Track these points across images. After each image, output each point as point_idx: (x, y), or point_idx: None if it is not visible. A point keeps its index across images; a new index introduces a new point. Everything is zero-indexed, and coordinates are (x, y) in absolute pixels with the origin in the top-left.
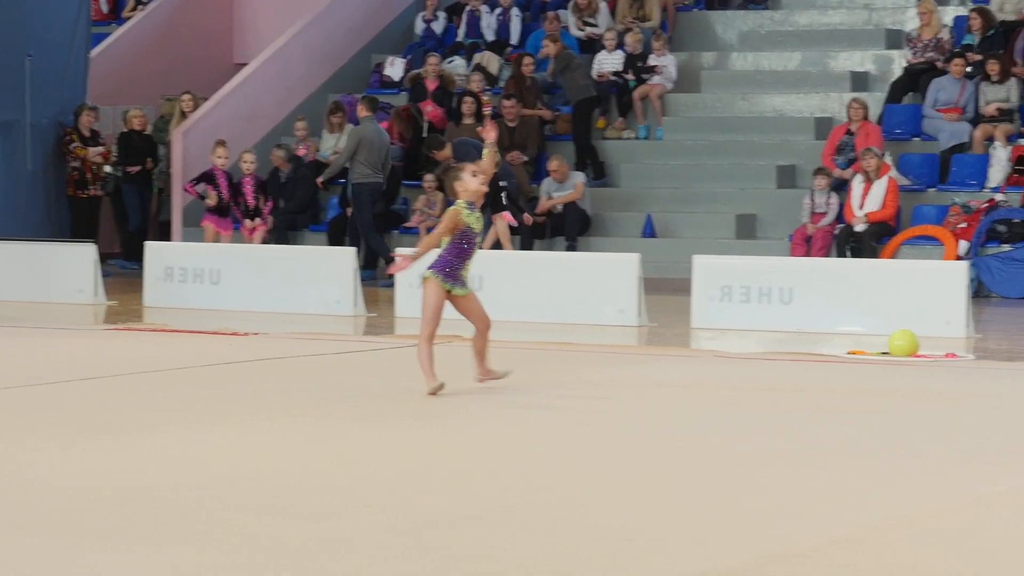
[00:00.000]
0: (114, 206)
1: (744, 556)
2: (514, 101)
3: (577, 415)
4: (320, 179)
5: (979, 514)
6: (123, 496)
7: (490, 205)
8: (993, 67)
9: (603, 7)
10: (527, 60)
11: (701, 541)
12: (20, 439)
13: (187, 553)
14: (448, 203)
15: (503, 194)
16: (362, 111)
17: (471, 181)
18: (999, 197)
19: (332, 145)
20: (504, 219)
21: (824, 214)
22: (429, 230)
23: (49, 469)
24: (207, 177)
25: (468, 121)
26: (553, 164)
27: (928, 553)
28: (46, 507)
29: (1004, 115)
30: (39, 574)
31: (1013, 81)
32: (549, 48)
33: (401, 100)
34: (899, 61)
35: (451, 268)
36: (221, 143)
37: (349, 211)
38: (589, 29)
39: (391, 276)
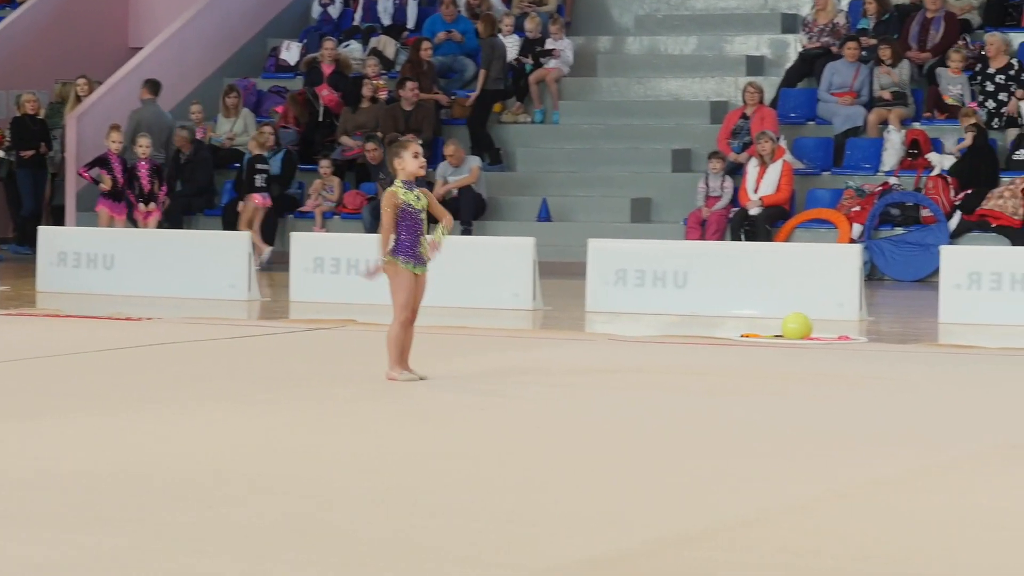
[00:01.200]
0: (7, 190)
1: (641, 538)
2: (415, 84)
3: (473, 400)
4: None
5: (875, 495)
6: (29, 483)
7: (245, 185)
8: (885, 51)
9: None
10: (425, 44)
11: (601, 523)
12: None
13: (92, 539)
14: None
15: (260, 176)
16: (144, 94)
17: (411, 162)
18: (893, 181)
19: (227, 129)
20: (254, 200)
21: (719, 198)
22: (325, 215)
23: None
24: (101, 161)
25: (365, 105)
26: (449, 149)
27: (826, 535)
28: None
29: (898, 99)
30: None
31: (906, 64)
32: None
33: (297, 84)
34: (794, 45)
35: (409, 247)
36: (115, 127)
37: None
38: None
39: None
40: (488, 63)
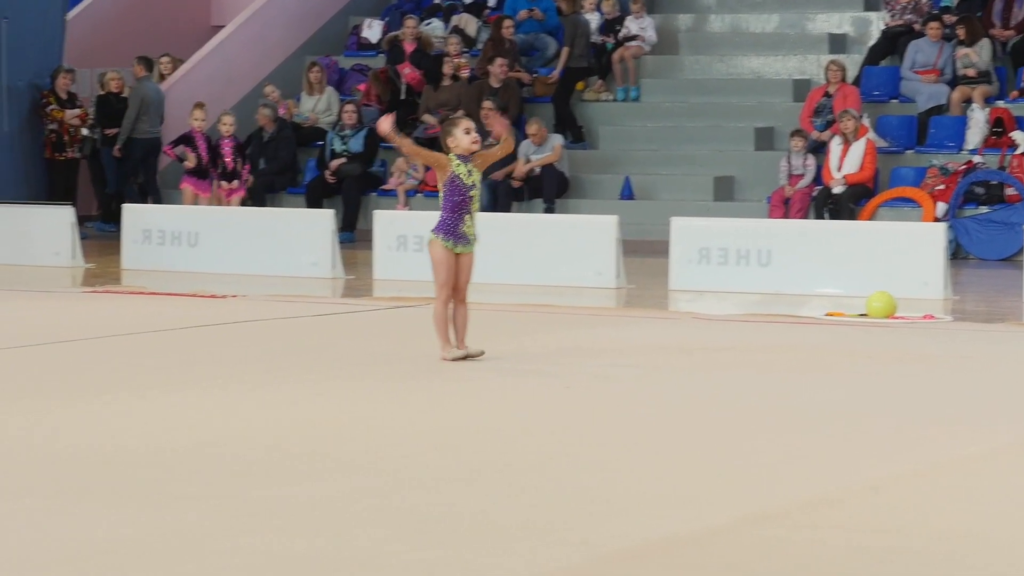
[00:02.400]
0: (92, 168)
1: (725, 517)
2: (503, 60)
3: (558, 378)
4: (117, 146)
5: (957, 474)
6: (110, 459)
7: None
8: (961, 30)
9: None
10: (507, 22)
11: (683, 502)
12: (2, 402)
13: (172, 515)
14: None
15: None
16: (140, 71)
17: (463, 138)
18: (977, 159)
19: (311, 107)
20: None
21: (802, 176)
22: (408, 192)
23: (33, 432)
24: (185, 139)
25: (447, 83)
26: (532, 127)
27: (907, 513)
28: (32, 470)
29: (982, 77)
30: (25, 535)
31: (987, 42)
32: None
33: (379, 62)
34: (877, 23)
35: (451, 226)
36: (199, 105)
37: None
38: None
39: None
40: (571, 40)
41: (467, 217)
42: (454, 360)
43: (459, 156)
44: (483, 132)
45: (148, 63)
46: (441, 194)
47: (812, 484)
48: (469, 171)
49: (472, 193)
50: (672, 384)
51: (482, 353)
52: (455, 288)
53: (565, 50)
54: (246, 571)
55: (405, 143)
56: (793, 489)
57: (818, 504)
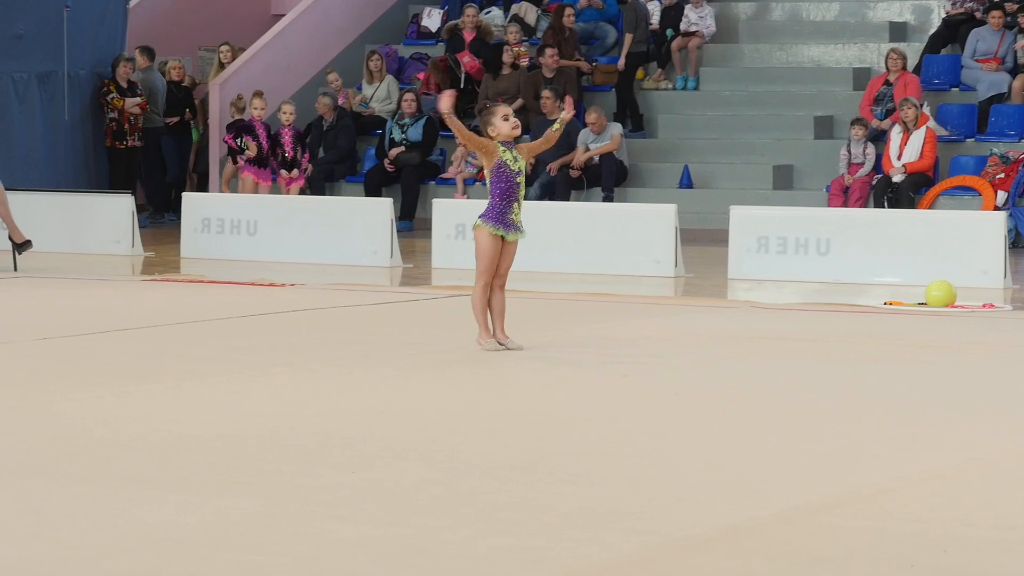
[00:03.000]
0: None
1: (782, 505)
2: (554, 50)
3: (615, 366)
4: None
5: (1016, 465)
6: (165, 446)
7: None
8: (1023, 17)
9: None
10: (568, 11)
11: (738, 491)
12: (63, 389)
13: (230, 503)
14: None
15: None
16: (143, 62)
17: (502, 125)
18: None
19: (370, 95)
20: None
21: (861, 165)
22: (467, 181)
23: (92, 419)
24: (246, 128)
25: (505, 72)
26: (591, 116)
27: (964, 504)
28: (88, 456)
29: None
30: (85, 522)
31: None
32: None
33: (438, 51)
34: (938, 11)
35: (500, 213)
36: (258, 94)
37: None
38: None
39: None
40: (633, 27)
41: (515, 204)
42: (489, 351)
43: (503, 143)
44: (542, 122)
45: (151, 53)
46: (489, 181)
47: (871, 473)
48: (515, 157)
49: (519, 180)
50: (730, 373)
51: (521, 348)
52: (496, 275)
53: (628, 36)
54: (308, 559)
55: (457, 124)
56: (853, 478)
57: (878, 493)
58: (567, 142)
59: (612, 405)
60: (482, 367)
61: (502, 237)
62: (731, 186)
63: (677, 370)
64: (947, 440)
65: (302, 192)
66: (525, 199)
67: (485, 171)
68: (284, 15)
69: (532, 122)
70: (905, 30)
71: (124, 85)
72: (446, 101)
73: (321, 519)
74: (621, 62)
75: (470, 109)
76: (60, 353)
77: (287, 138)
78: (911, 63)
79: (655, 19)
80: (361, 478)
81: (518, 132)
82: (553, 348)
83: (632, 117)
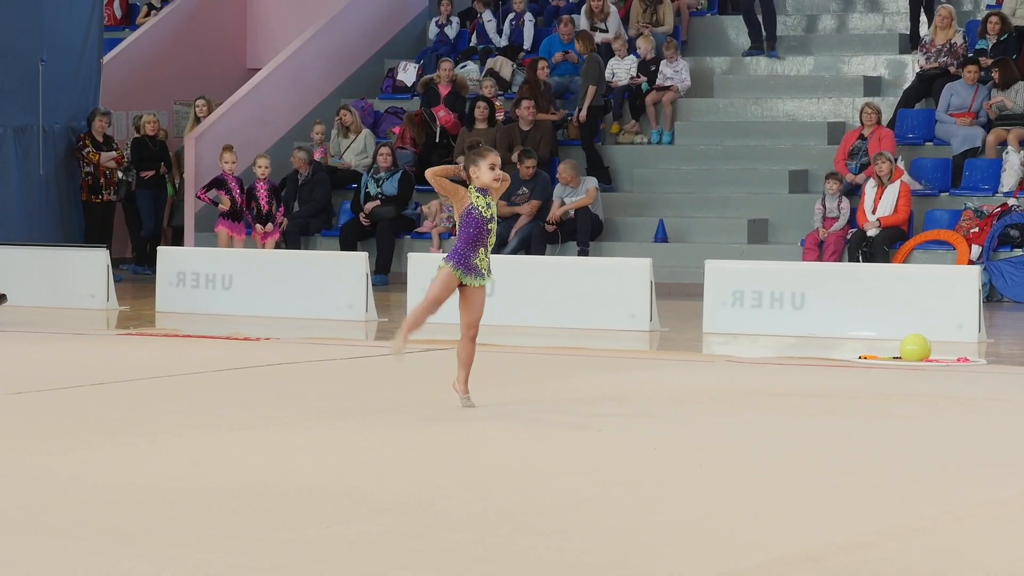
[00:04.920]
0: (127, 211)
1: (758, 559)
2: (530, 103)
3: (590, 420)
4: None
5: (993, 518)
6: (142, 500)
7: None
8: (996, 73)
9: (614, 12)
10: (541, 64)
11: (715, 544)
12: (37, 443)
13: (207, 557)
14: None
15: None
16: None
17: (486, 173)
18: (1012, 202)
19: (345, 148)
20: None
21: (836, 219)
22: (442, 235)
23: (67, 473)
24: (218, 182)
25: (480, 126)
26: (561, 169)
27: (942, 557)
28: (65, 510)
29: (1016, 119)
30: None
31: (1021, 85)
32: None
33: (414, 105)
34: (912, 66)
35: (464, 257)
36: (228, 148)
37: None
38: (600, 35)
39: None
40: (596, 79)
41: (481, 250)
42: (396, 354)
43: (479, 189)
44: (515, 177)
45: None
46: (458, 224)
47: (848, 527)
48: (488, 203)
49: (491, 226)
50: (706, 427)
51: (472, 407)
52: (466, 323)
53: (591, 89)
54: None
55: (434, 169)
56: (830, 531)
57: (854, 547)
58: (544, 195)
59: (589, 459)
60: (458, 422)
61: (460, 280)
62: (706, 240)
63: (653, 424)
64: (923, 494)
65: (277, 246)
66: (502, 253)
67: (455, 214)
68: (259, 69)
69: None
70: (879, 84)
71: (99, 139)
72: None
73: (296, 571)
74: (583, 115)
75: (445, 163)
76: (35, 407)
77: (262, 192)
78: (885, 117)
79: (632, 71)
80: (337, 532)
81: (498, 187)
82: (529, 403)
83: (596, 170)
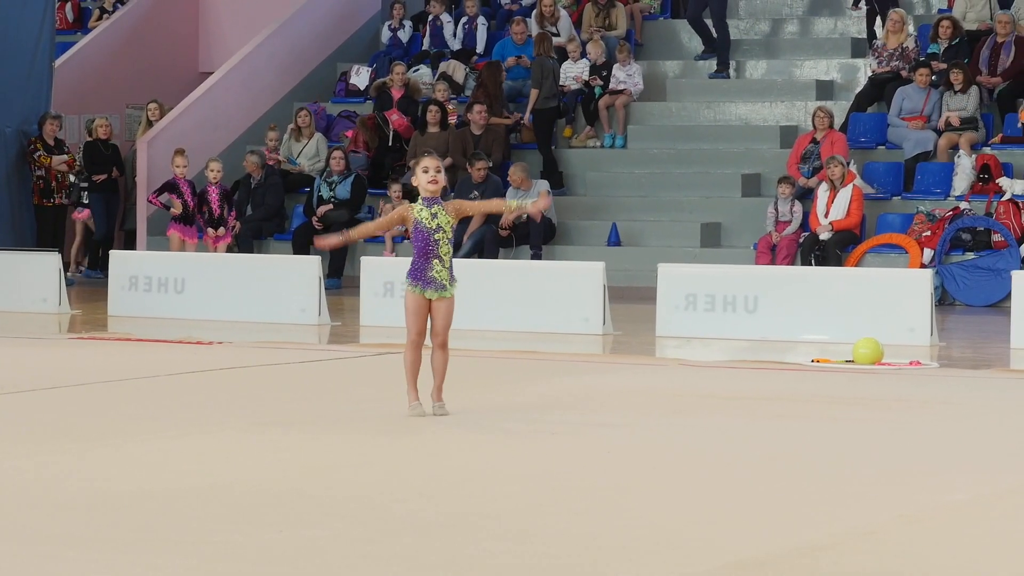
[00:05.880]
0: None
1: (711, 563)
2: (483, 107)
3: (544, 424)
4: None
5: (944, 521)
6: (95, 504)
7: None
8: (956, 76)
9: (564, 15)
10: (494, 68)
11: (668, 548)
12: None
13: (160, 561)
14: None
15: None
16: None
17: (420, 176)
18: (963, 205)
19: (299, 152)
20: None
21: (789, 222)
22: (395, 239)
23: (20, 478)
24: (170, 186)
25: (433, 130)
26: (511, 172)
27: (894, 560)
28: (18, 516)
29: (968, 124)
30: None
31: (975, 90)
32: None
33: (367, 109)
34: (864, 70)
35: (419, 271)
36: (180, 152)
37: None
38: (553, 39)
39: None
40: (539, 82)
41: (435, 261)
42: (413, 416)
43: (424, 199)
44: (466, 181)
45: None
46: (383, 223)
47: (801, 530)
48: (433, 214)
49: (437, 236)
50: (659, 431)
51: (446, 415)
52: (432, 332)
53: (533, 92)
54: None
55: (356, 231)
56: (782, 535)
57: (807, 550)
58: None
59: (542, 464)
60: (412, 426)
61: (423, 294)
62: (659, 244)
63: (607, 428)
64: (876, 497)
65: (229, 250)
66: (456, 257)
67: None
68: (212, 73)
69: (459, 179)
70: (832, 88)
71: (51, 143)
72: (326, 243)
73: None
74: (526, 117)
75: (399, 167)
76: None
77: (214, 196)
78: (838, 121)
79: (584, 75)
80: (289, 536)
81: (433, 188)
82: (482, 408)
83: (551, 174)
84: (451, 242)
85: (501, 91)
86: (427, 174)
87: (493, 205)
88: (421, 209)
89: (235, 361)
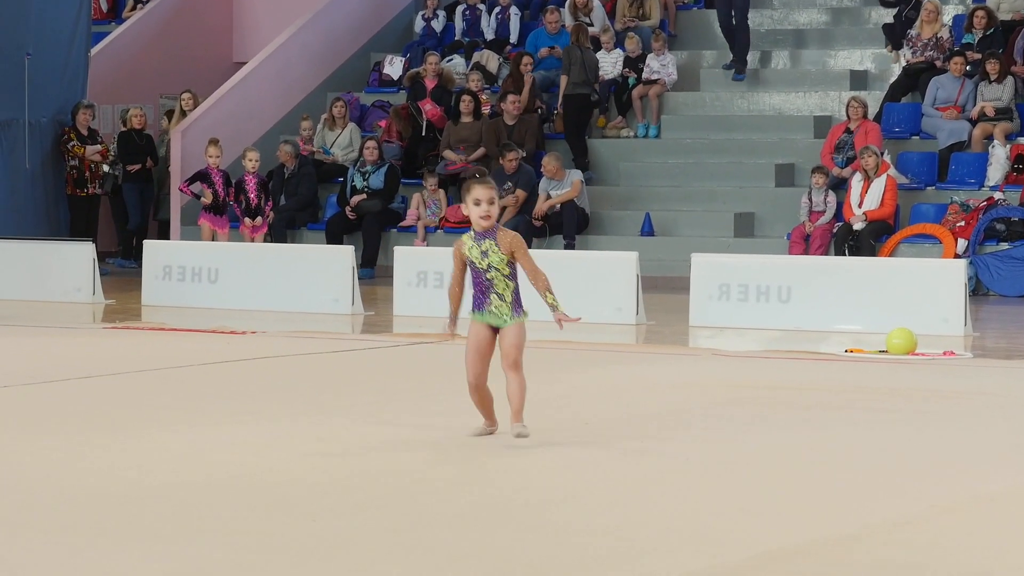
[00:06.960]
0: (113, 205)
1: (744, 553)
2: (516, 97)
3: (576, 413)
4: None
5: (978, 512)
6: (126, 495)
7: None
8: (993, 66)
9: (598, 5)
10: (526, 59)
11: (701, 539)
12: (21, 438)
13: (191, 552)
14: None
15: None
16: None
17: (472, 210)
18: (998, 195)
19: (332, 142)
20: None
21: (822, 212)
22: (428, 229)
23: (51, 468)
24: (201, 176)
25: (466, 120)
26: (545, 161)
27: (926, 551)
28: (49, 506)
29: (1002, 113)
30: (42, 573)
31: (1010, 80)
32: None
33: (400, 98)
34: (899, 60)
35: (479, 303)
36: (214, 142)
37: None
38: (587, 29)
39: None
40: (567, 69)
41: (493, 296)
42: (473, 435)
43: (476, 234)
44: (500, 172)
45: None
46: (458, 274)
47: (833, 520)
48: (484, 252)
49: (490, 276)
50: (692, 422)
51: (526, 436)
52: (502, 354)
53: (563, 79)
54: None
55: (453, 310)
56: (815, 525)
57: (840, 540)
58: (528, 188)
59: (574, 454)
60: (443, 417)
61: (488, 323)
62: (692, 234)
63: (639, 419)
64: (909, 488)
65: (264, 239)
66: None
67: None
68: (246, 63)
69: (492, 169)
70: (866, 78)
71: (84, 132)
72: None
73: (283, 568)
74: (558, 104)
75: (432, 156)
76: (20, 401)
77: (251, 185)
78: (872, 111)
79: (618, 67)
80: (322, 526)
81: (486, 224)
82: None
83: (578, 158)
84: (509, 277)
85: (534, 81)
86: (479, 207)
87: (539, 284)
88: (472, 247)
89: (268, 351)
